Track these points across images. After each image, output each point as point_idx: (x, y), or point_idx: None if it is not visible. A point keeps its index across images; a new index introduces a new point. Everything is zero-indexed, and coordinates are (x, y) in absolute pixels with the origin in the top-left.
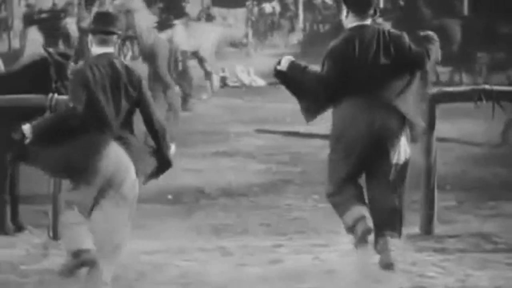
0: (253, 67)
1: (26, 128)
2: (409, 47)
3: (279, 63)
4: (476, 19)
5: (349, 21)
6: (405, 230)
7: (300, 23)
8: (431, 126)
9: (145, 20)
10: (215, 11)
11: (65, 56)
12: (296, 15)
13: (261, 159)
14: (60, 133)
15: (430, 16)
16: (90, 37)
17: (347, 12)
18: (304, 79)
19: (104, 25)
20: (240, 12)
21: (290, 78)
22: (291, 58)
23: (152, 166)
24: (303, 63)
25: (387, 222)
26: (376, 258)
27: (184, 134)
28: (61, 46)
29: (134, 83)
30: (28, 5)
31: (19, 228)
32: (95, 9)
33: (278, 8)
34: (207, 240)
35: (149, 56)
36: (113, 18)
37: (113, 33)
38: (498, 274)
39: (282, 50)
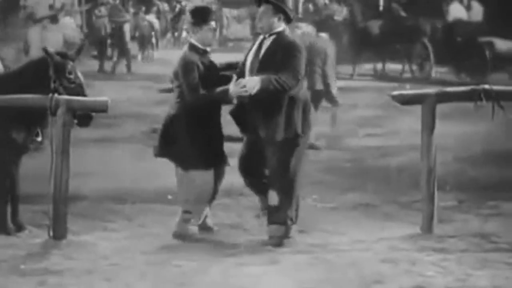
0: None
1: None
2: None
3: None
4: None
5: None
6: (405, 230)
7: None
8: (430, 126)
9: None
10: None
11: (64, 56)
12: None
13: None
14: None
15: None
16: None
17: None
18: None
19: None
20: None
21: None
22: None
23: None
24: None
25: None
26: (376, 257)
27: None
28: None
29: None
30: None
31: (19, 228)
32: None
33: None
34: (207, 240)
35: None
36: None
37: None
38: (498, 273)
39: None
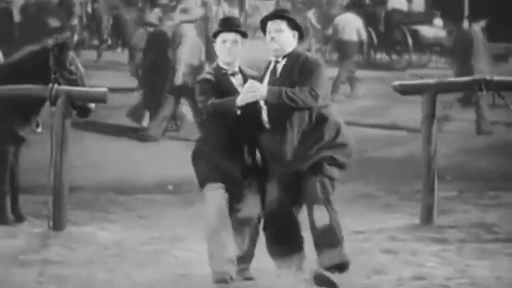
0: None
1: None
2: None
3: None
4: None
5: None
6: (405, 220)
7: None
8: (431, 116)
9: None
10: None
11: (64, 46)
12: None
13: None
14: None
15: None
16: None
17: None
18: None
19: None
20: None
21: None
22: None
23: None
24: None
25: None
26: (376, 247)
27: (188, 125)
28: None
29: None
30: None
31: (19, 219)
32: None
33: None
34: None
35: None
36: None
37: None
38: (498, 264)
39: None
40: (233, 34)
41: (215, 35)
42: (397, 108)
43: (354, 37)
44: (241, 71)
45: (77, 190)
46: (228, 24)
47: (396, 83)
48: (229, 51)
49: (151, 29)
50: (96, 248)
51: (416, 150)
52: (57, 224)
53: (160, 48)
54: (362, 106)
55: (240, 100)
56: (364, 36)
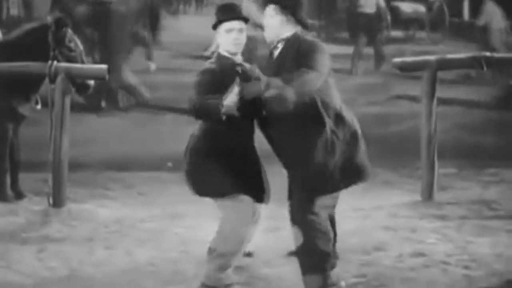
0: None
1: None
2: None
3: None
4: None
5: None
6: (406, 197)
7: None
8: (431, 93)
9: None
10: None
11: (63, 23)
12: None
13: None
14: None
15: None
16: None
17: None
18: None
19: None
20: None
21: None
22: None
23: None
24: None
25: None
26: (376, 224)
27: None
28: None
29: None
30: None
31: (19, 196)
32: None
33: None
34: (207, 207)
35: None
36: None
37: None
38: (498, 240)
39: None
40: (238, 22)
41: (217, 24)
42: (396, 85)
43: (373, 10)
44: (241, 65)
45: (77, 168)
46: (232, 12)
47: (396, 60)
48: (235, 40)
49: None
50: (96, 225)
51: (416, 127)
52: (57, 201)
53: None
54: (361, 84)
55: (226, 106)
56: (384, 10)
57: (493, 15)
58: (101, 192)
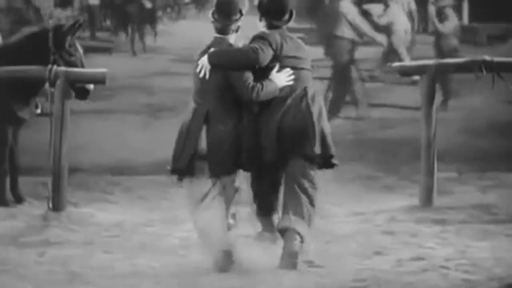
0: None
1: None
2: None
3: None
4: None
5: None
6: (405, 202)
7: None
8: (430, 97)
9: None
10: None
11: (63, 28)
12: None
13: None
14: None
15: None
16: None
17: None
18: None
19: None
20: None
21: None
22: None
23: None
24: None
25: None
26: (375, 228)
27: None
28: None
29: None
30: None
31: (18, 200)
32: None
33: None
34: None
35: None
36: None
37: None
38: (498, 245)
39: None
40: None
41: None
42: (396, 88)
43: None
44: None
45: (77, 172)
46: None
47: (396, 64)
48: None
49: None
50: (96, 229)
51: (416, 131)
52: (57, 205)
53: None
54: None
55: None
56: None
57: (396, 15)
58: (101, 196)
